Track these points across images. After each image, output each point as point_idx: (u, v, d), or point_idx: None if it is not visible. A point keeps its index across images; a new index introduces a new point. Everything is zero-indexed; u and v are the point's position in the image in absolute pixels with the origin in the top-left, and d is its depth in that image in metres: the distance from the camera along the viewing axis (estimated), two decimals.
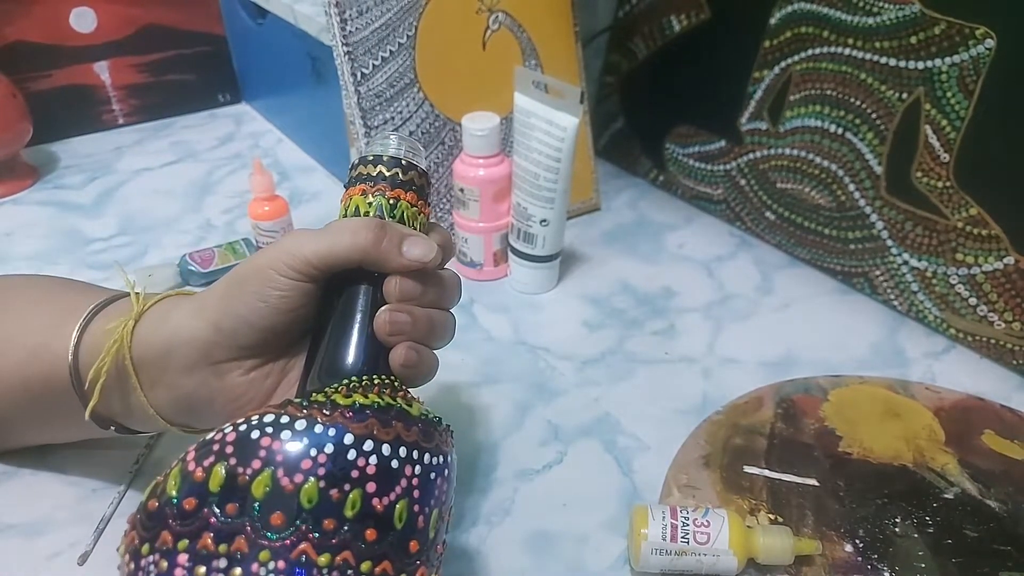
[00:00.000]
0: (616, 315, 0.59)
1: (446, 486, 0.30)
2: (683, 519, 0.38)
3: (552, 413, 0.49)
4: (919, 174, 0.55)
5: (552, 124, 0.55)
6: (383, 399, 0.30)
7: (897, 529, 0.41)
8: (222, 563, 0.25)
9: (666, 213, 0.73)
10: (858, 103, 0.58)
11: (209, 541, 0.26)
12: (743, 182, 0.68)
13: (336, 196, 0.49)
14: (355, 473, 0.27)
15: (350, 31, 0.56)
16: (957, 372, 0.53)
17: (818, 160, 0.61)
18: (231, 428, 0.28)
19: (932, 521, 0.41)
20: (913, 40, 0.54)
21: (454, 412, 0.49)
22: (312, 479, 0.26)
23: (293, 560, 0.25)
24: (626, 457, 0.46)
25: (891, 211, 0.57)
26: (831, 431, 0.47)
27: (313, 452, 0.26)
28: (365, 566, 0.26)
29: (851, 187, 0.60)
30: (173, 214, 0.71)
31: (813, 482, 0.43)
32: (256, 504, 0.26)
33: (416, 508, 0.28)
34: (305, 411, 0.28)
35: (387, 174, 0.36)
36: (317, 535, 0.26)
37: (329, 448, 0.27)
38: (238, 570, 0.25)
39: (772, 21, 0.62)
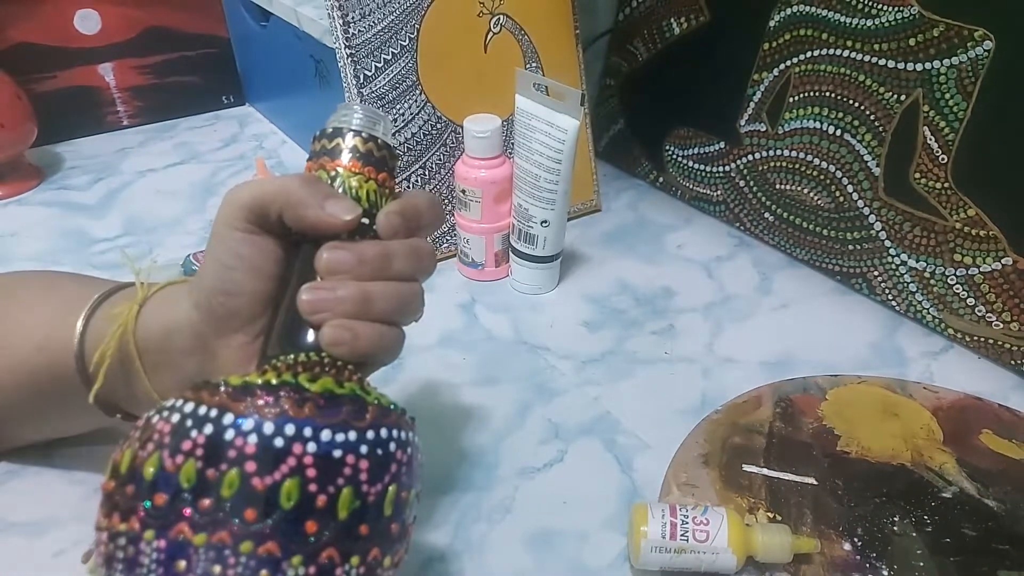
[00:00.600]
0: (616, 315, 0.59)
1: (395, 466, 0.28)
2: (682, 517, 0.38)
3: (552, 412, 0.50)
4: (917, 175, 0.56)
5: (553, 126, 0.55)
6: (307, 379, 0.28)
7: (895, 528, 0.41)
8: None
9: (666, 214, 0.73)
10: (857, 105, 0.58)
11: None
12: (742, 183, 0.68)
13: None
14: (291, 461, 0.26)
15: (353, 33, 0.57)
16: (955, 372, 0.53)
17: (817, 161, 0.62)
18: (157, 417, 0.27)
19: (930, 520, 0.41)
20: (912, 42, 0.54)
21: (455, 411, 0.50)
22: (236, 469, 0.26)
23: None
24: (626, 456, 0.46)
25: (889, 212, 0.58)
26: (829, 430, 0.47)
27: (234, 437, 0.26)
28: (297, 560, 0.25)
29: (849, 188, 0.60)
30: (177, 215, 0.71)
31: (812, 481, 0.44)
32: (186, 489, 0.26)
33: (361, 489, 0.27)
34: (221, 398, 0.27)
35: (343, 147, 0.34)
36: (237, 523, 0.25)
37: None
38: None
39: (771, 23, 0.63)
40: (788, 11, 0.61)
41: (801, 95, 0.62)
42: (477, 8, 0.62)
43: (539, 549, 0.41)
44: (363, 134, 0.34)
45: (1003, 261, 0.52)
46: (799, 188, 0.63)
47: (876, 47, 0.56)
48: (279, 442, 0.26)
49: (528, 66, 0.66)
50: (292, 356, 0.31)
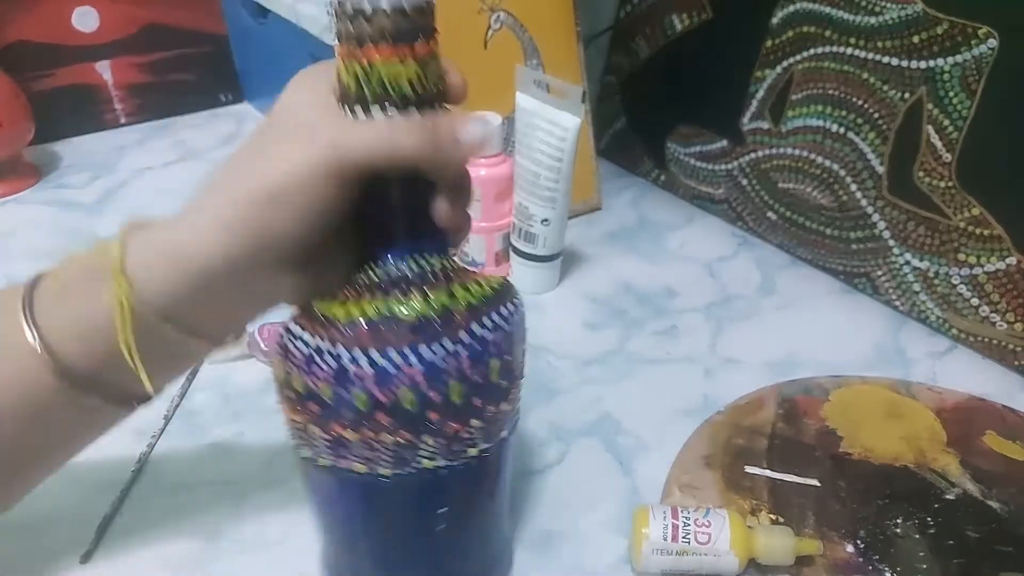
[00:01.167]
0: (617, 315, 0.59)
1: (493, 347, 0.31)
2: (684, 519, 0.38)
3: (553, 413, 0.49)
4: (921, 174, 0.55)
5: (554, 124, 0.55)
6: (438, 299, 0.31)
7: (898, 530, 0.41)
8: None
9: (668, 213, 0.73)
10: (860, 103, 0.58)
11: None
12: (745, 182, 0.68)
13: None
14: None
15: None
16: (959, 373, 0.53)
17: (820, 160, 0.61)
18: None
19: (933, 522, 0.41)
20: (915, 40, 0.54)
21: None
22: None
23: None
24: (627, 457, 0.46)
25: (893, 211, 0.57)
26: (832, 431, 0.47)
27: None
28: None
29: (853, 187, 0.60)
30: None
31: (814, 482, 0.43)
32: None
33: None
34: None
35: (370, 31, 0.30)
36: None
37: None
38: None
39: (774, 21, 0.62)
40: (791, 8, 0.61)
41: (804, 93, 0.61)
42: (477, 5, 0.61)
43: (540, 551, 0.40)
44: (386, 9, 0.31)
45: (1007, 261, 0.52)
46: (802, 187, 0.63)
47: (880, 44, 0.56)
48: (391, 368, 0.29)
49: (529, 63, 0.65)
50: (383, 273, 0.32)
